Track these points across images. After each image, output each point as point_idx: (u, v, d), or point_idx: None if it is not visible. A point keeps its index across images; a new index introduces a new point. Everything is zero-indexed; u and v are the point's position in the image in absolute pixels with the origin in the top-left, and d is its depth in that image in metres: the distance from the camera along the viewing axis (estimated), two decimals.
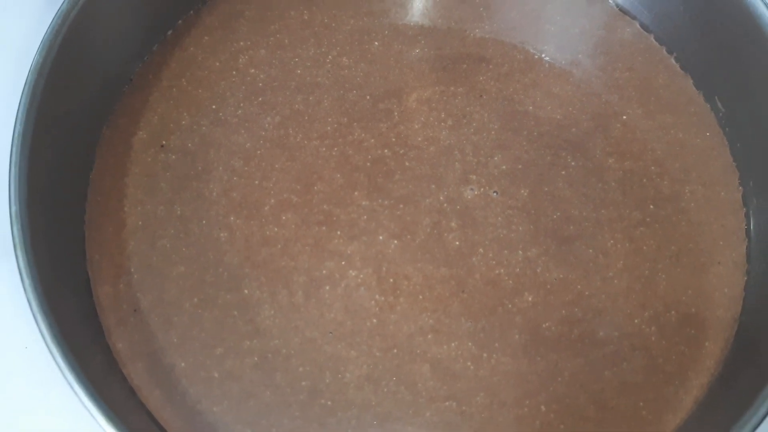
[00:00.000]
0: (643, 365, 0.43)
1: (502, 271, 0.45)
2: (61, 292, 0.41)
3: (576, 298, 0.45)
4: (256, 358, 0.42)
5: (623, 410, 0.42)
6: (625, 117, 0.50)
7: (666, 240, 0.46)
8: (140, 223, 0.45)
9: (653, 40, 0.52)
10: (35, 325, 0.43)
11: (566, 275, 0.45)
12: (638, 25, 0.52)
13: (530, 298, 0.44)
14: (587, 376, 0.43)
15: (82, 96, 0.45)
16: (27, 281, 0.38)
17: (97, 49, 0.46)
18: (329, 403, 0.42)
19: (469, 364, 0.43)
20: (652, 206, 0.47)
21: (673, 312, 0.44)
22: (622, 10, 0.52)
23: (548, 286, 0.45)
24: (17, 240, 0.38)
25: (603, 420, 0.42)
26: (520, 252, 0.46)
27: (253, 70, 0.50)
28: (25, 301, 0.44)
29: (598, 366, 0.43)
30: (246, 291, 0.44)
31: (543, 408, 0.42)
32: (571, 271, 0.45)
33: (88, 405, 0.37)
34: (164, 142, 0.48)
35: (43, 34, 0.42)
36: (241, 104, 0.49)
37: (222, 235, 0.45)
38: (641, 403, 0.42)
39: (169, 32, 0.51)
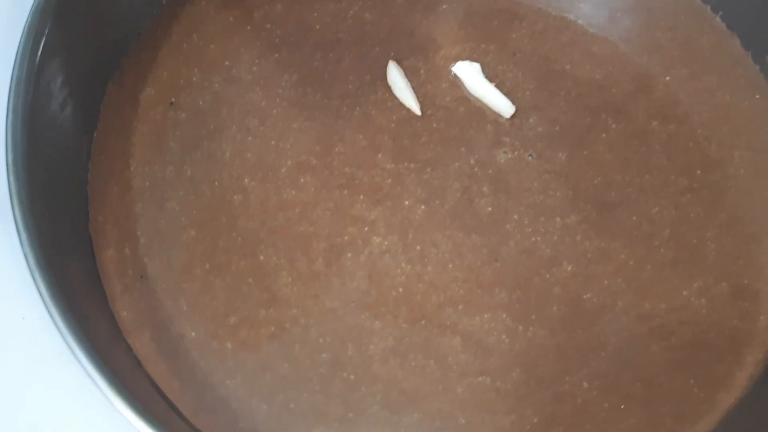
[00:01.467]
0: (693, 340, 0.40)
1: (538, 239, 0.42)
2: (62, 256, 0.38)
3: (619, 268, 0.41)
4: (272, 329, 0.39)
5: (671, 388, 0.39)
6: (668, 78, 0.46)
7: (714, 208, 0.43)
8: (147, 184, 0.42)
9: None
10: (33, 295, 0.40)
11: (608, 244, 0.42)
12: None
13: (569, 268, 0.41)
14: (632, 351, 0.39)
15: (87, 50, 0.42)
16: (26, 244, 0.34)
17: (104, 2, 0.43)
18: (352, 377, 0.38)
19: (503, 337, 0.39)
20: (699, 171, 0.44)
21: (723, 284, 0.41)
22: None
23: (589, 255, 0.41)
24: (15, 200, 0.35)
25: (650, 398, 0.38)
26: (558, 219, 0.42)
27: (269, 26, 0.46)
28: (22, 268, 0.41)
29: (644, 340, 0.40)
30: (262, 257, 0.41)
31: (585, 384, 0.39)
32: (614, 240, 0.42)
33: (92, 374, 0.33)
34: (173, 100, 0.44)
35: None
36: (256, 61, 0.45)
37: (236, 198, 0.42)
38: (691, 381, 0.39)
39: None
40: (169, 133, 0.43)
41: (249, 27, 0.46)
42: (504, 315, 0.40)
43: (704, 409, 0.39)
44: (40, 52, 0.37)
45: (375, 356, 0.39)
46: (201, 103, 0.44)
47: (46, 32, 0.37)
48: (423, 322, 0.40)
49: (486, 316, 0.40)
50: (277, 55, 0.46)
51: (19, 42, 0.37)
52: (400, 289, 0.40)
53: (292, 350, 0.39)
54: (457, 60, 0.46)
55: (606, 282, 0.41)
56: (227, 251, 0.41)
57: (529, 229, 0.42)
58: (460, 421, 0.38)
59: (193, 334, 0.39)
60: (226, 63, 0.45)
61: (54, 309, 0.34)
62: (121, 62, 0.45)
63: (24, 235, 0.34)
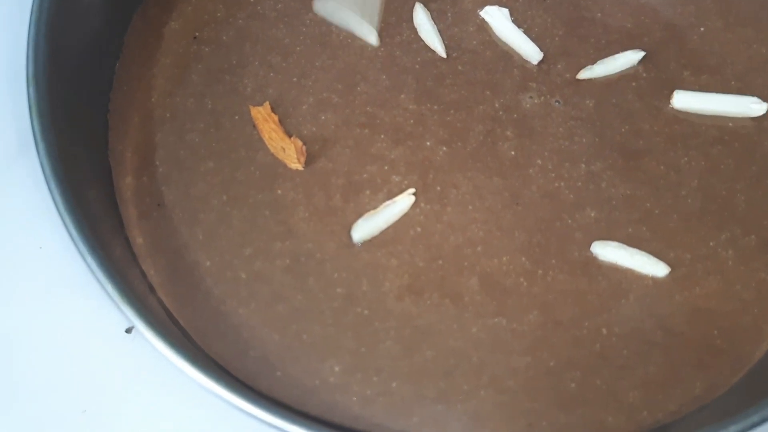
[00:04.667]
0: (718, 291, 0.39)
1: (561, 184, 0.41)
2: (79, 178, 0.37)
3: (644, 216, 0.40)
4: (287, 261, 0.39)
5: (694, 337, 0.38)
6: (702, 29, 0.45)
7: (745, 160, 0.42)
8: (168, 115, 0.42)
9: None
10: (50, 223, 0.40)
11: (633, 192, 0.41)
12: None
13: (593, 214, 0.40)
14: (654, 299, 0.38)
15: None
16: (43, 155, 0.34)
17: None
18: (366, 312, 0.38)
19: (521, 279, 0.39)
20: (730, 123, 0.43)
21: (753, 236, 0.40)
22: None
23: (613, 203, 0.40)
24: (33, 113, 0.35)
25: (671, 346, 0.37)
26: (583, 165, 0.41)
27: None
28: (40, 198, 0.41)
29: (667, 289, 0.39)
30: (279, 191, 0.40)
31: (604, 331, 0.38)
32: (639, 188, 0.41)
33: (110, 291, 0.33)
34: (197, 34, 0.44)
35: None
36: None
37: (255, 132, 0.41)
38: (715, 332, 0.38)
39: None
40: (192, 66, 0.43)
41: None
42: (523, 258, 0.39)
43: (726, 360, 0.37)
44: None
45: (390, 293, 0.38)
46: (224, 38, 0.44)
47: None
48: (440, 261, 0.39)
49: (504, 258, 0.39)
50: None
51: None
52: (418, 229, 0.40)
53: (306, 283, 0.38)
54: (486, 4, 0.45)
55: (630, 229, 0.40)
56: (245, 184, 0.40)
57: (553, 174, 0.41)
58: (474, 360, 0.37)
59: (208, 263, 0.39)
60: None
61: (71, 224, 0.33)
62: None
63: (42, 146, 0.34)
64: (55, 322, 0.40)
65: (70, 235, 0.33)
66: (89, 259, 0.32)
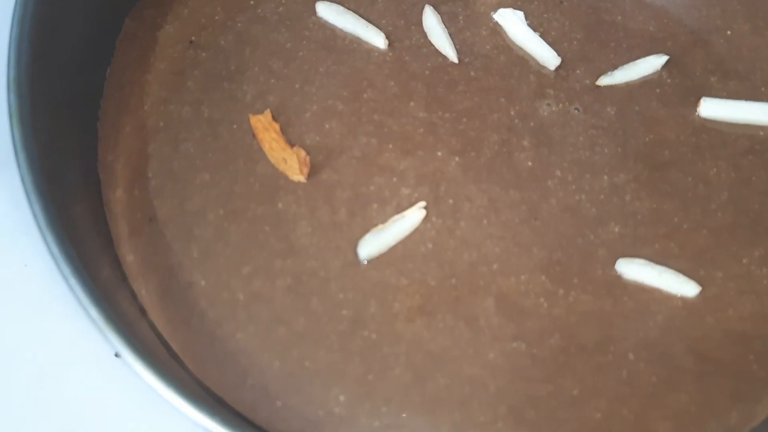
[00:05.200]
0: (753, 312, 0.36)
1: (583, 197, 0.38)
2: (65, 193, 0.35)
3: (671, 232, 0.38)
4: (289, 280, 0.36)
5: (728, 363, 0.35)
6: (729, 32, 0.43)
7: None
8: (162, 123, 0.39)
9: None
10: (37, 240, 0.37)
11: (660, 205, 0.38)
12: None
13: (617, 229, 0.37)
14: (684, 321, 0.36)
15: None
16: (23, 167, 0.32)
17: None
18: (373, 335, 0.35)
19: (541, 300, 0.36)
20: (761, 132, 0.40)
21: None
22: None
23: (638, 217, 0.38)
24: (14, 120, 0.32)
25: (703, 373, 0.35)
26: (606, 177, 0.39)
27: None
28: (25, 213, 0.38)
29: (698, 310, 0.36)
30: (280, 205, 0.38)
31: (631, 356, 0.35)
32: (666, 201, 0.38)
33: (94, 316, 0.30)
34: (194, 38, 0.41)
35: None
36: (283, 1, 0.43)
37: (255, 142, 0.39)
38: (750, 356, 0.35)
39: None
40: (188, 72, 0.41)
41: None
42: (543, 277, 0.36)
43: (763, 387, 0.35)
44: None
45: (400, 315, 0.35)
46: (223, 42, 0.41)
47: None
48: (453, 280, 0.36)
49: (523, 277, 0.36)
50: None
51: None
52: (429, 245, 0.37)
53: (309, 304, 0.35)
54: (500, 7, 0.43)
55: (657, 246, 0.37)
56: (244, 197, 0.38)
57: (573, 187, 0.38)
58: (491, 389, 0.34)
59: (203, 282, 0.36)
60: (252, 2, 0.43)
61: (53, 243, 0.31)
62: None
63: (22, 157, 0.31)
64: (41, 343, 0.38)
65: (52, 255, 0.30)
66: (72, 280, 0.30)
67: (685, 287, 0.36)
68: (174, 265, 0.36)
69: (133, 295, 0.36)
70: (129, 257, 0.36)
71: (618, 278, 0.37)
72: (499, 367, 0.35)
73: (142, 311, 0.35)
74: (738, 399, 0.34)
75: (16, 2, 0.33)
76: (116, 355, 0.36)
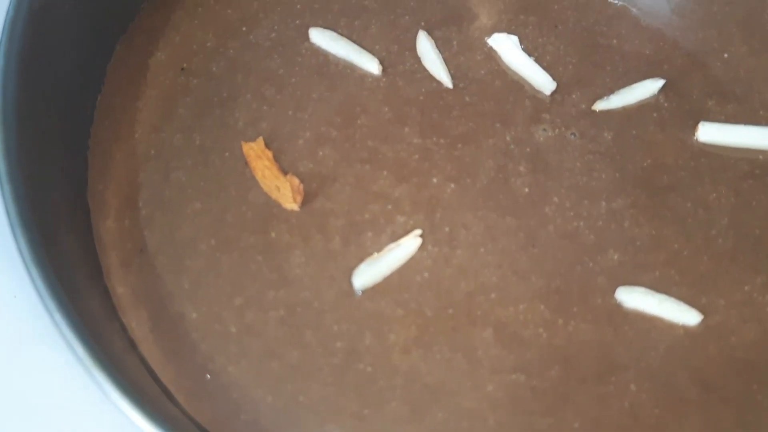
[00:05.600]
0: (756, 339, 0.35)
1: (581, 223, 0.38)
2: (53, 223, 0.34)
3: (671, 258, 0.37)
4: (282, 312, 0.35)
5: (733, 392, 0.34)
6: (726, 55, 0.42)
7: None
8: (153, 152, 0.39)
9: None
10: (24, 268, 0.37)
11: (659, 231, 0.38)
12: None
13: (616, 257, 0.37)
14: (687, 350, 0.35)
15: (94, 7, 0.39)
16: (8, 196, 0.31)
17: None
18: (369, 368, 0.34)
19: (540, 330, 0.35)
20: (761, 156, 0.40)
21: None
22: None
23: (638, 243, 0.37)
24: (1, 163, 0.31)
25: (708, 403, 0.34)
26: (604, 203, 0.38)
27: None
28: (12, 245, 0.38)
29: (700, 338, 0.35)
30: (273, 234, 0.37)
31: (633, 387, 0.34)
32: (666, 227, 0.38)
33: (80, 353, 0.29)
34: (185, 65, 0.41)
35: None
36: (276, 27, 0.42)
37: (247, 170, 0.38)
38: (755, 386, 0.34)
39: None
40: (179, 99, 0.40)
41: None
42: (542, 306, 0.36)
43: None
44: (33, 12, 0.34)
45: (395, 347, 0.35)
46: (214, 69, 0.41)
47: None
48: (450, 310, 0.36)
49: (521, 306, 0.36)
50: (298, 21, 0.42)
51: None
52: (426, 274, 0.36)
53: (302, 336, 0.35)
54: (494, 31, 0.42)
55: (657, 273, 0.37)
56: (235, 226, 0.37)
57: (571, 213, 0.38)
58: (490, 423, 0.33)
59: (194, 314, 0.35)
60: (244, 28, 0.42)
61: (38, 277, 0.30)
62: (131, 23, 0.42)
63: (7, 188, 0.30)
64: (29, 378, 0.37)
65: (36, 289, 0.29)
66: (57, 316, 0.29)
67: (686, 315, 0.35)
68: (165, 296, 0.35)
69: (123, 328, 0.35)
70: (119, 289, 0.36)
71: (618, 307, 0.36)
72: (498, 399, 0.34)
73: (132, 345, 0.35)
74: (743, 428, 0.34)
75: (2, 30, 0.33)
76: None
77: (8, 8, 0.33)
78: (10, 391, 0.37)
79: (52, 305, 0.29)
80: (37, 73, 0.35)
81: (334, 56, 0.42)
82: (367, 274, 0.36)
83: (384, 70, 0.41)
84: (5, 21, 0.33)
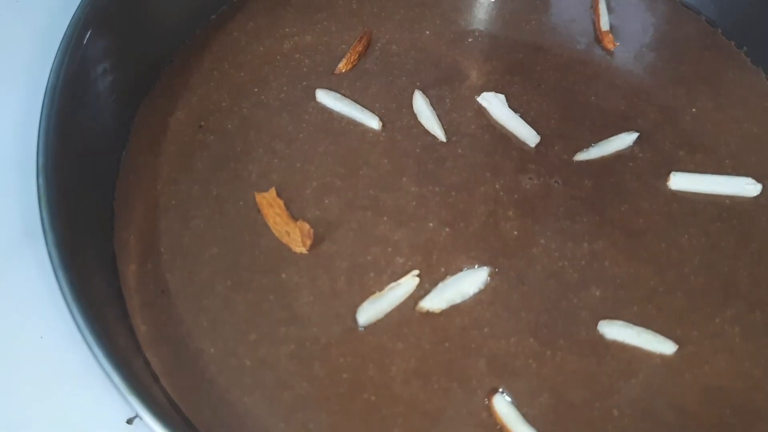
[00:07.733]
0: (728, 368, 0.38)
1: (565, 263, 0.41)
2: (85, 267, 0.37)
3: (649, 294, 0.40)
4: (292, 347, 0.38)
5: (708, 417, 0.37)
6: (694, 110, 0.46)
7: (745, 237, 0.42)
8: (173, 202, 0.42)
9: (721, 35, 0.49)
10: (52, 313, 0.40)
11: (637, 270, 0.41)
12: (704, 20, 0.50)
13: (598, 293, 0.40)
14: (664, 377, 0.38)
15: (120, 74, 0.43)
16: (51, 243, 0.34)
17: (138, 30, 0.44)
18: (373, 398, 0.37)
19: (530, 361, 0.38)
20: (728, 201, 0.43)
21: (757, 312, 0.40)
22: (686, 5, 0.50)
23: (618, 281, 0.40)
24: (42, 202, 0.35)
25: (685, 426, 0.37)
26: (586, 244, 0.42)
27: (297, 55, 0.47)
28: (42, 288, 0.41)
29: (676, 367, 0.38)
30: (283, 275, 0.40)
31: (615, 412, 0.37)
32: (643, 266, 0.41)
33: (116, 381, 0.32)
34: (202, 123, 0.45)
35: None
36: (285, 88, 0.46)
37: (259, 217, 0.42)
38: (727, 410, 0.37)
39: (213, 17, 0.49)
40: (197, 154, 0.44)
41: (278, 57, 0.47)
42: (531, 339, 0.39)
43: None
44: (78, 61, 0.38)
45: (397, 377, 0.38)
46: (229, 126, 0.45)
47: (84, 43, 0.38)
48: (447, 344, 0.39)
49: (512, 339, 0.39)
50: (305, 83, 0.46)
51: (57, 52, 0.37)
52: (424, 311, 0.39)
53: (311, 369, 0.38)
54: (483, 90, 0.46)
55: (635, 308, 0.40)
56: (249, 268, 0.40)
57: (557, 254, 0.41)
58: None
59: (212, 350, 0.38)
60: (255, 89, 0.46)
61: (78, 314, 0.33)
62: (152, 87, 0.46)
63: (50, 235, 0.34)
64: (55, 413, 0.39)
65: (77, 325, 0.32)
66: (96, 349, 0.32)
67: (663, 346, 0.38)
68: (185, 334, 0.39)
69: (147, 363, 0.38)
70: (142, 327, 0.39)
71: (601, 338, 0.39)
72: (492, 426, 0.37)
73: (155, 378, 0.37)
74: None
75: (44, 99, 0.36)
76: (128, 421, 0.38)
77: (48, 76, 0.37)
78: (37, 424, 0.39)
79: (90, 339, 0.32)
80: (71, 133, 0.38)
81: (338, 114, 0.45)
82: (369, 311, 0.39)
83: (383, 126, 0.45)
84: (46, 87, 0.37)
